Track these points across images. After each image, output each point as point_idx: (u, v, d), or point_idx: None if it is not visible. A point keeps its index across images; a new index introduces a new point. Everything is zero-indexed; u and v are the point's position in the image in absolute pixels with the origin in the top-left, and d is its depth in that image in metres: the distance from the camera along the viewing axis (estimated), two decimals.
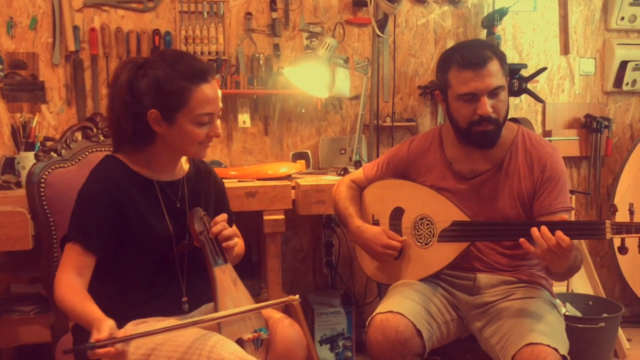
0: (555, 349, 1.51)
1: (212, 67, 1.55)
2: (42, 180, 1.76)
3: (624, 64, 3.27)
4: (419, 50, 3.12)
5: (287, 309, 2.19)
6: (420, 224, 1.83)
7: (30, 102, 2.71)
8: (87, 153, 1.86)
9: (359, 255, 2.01)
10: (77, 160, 1.84)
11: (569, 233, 1.48)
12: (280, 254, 2.44)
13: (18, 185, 2.39)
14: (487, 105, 1.68)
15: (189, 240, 1.60)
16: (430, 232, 1.81)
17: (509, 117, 1.83)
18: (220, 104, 1.56)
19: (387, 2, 2.65)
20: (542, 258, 1.53)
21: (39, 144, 2.48)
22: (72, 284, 1.43)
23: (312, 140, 3.03)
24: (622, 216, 1.53)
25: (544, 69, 2.87)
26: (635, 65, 3.27)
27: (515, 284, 1.78)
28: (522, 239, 1.52)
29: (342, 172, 2.56)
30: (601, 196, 3.40)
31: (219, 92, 1.55)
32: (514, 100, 3.21)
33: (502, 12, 2.98)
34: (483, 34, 3.10)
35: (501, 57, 1.73)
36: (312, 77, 2.59)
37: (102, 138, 1.89)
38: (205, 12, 2.82)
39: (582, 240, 2.74)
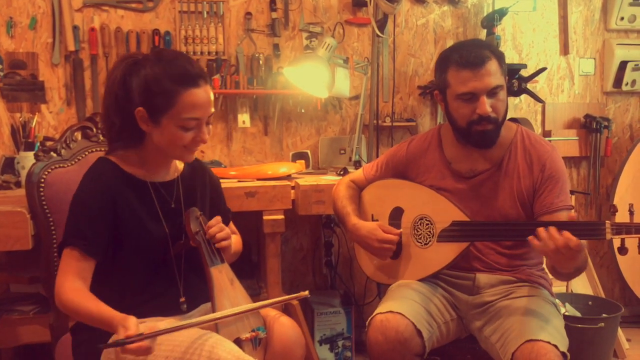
0: (555, 346, 1.51)
1: (204, 72, 1.53)
2: (42, 180, 1.76)
3: (623, 64, 3.27)
4: (418, 50, 3.12)
5: (286, 309, 2.19)
6: (420, 224, 1.83)
7: (30, 102, 2.71)
8: (86, 153, 1.86)
9: (358, 255, 2.01)
10: (76, 160, 1.84)
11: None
12: (280, 254, 2.44)
13: (18, 185, 2.39)
14: (486, 105, 1.68)
15: (185, 240, 1.60)
16: (429, 232, 1.81)
17: (509, 117, 1.83)
18: (212, 109, 1.54)
19: (387, 2, 2.65)
20: (549, 257, 1.52)
21: (38, 143, 2.48)
22: (78, 288, 1.43)
23: (311, 140, 3.03)
24: (622, 216, 1.53)
25: (543, 69, 2.88)
26: (635, 65, 3.27)
27: (515, 283, 1.78)
28: (530, 237, 1.51)
29: (341, 172, 2.56)
30: (601, 196, 3.40)
31: (211, 97, 1.53)
32: (513, 100, 3.21)
33: (502, 12, 2.98)
34: (483, 34, 3.10)
35: (500, 57, 1.73)
36: (311, 77, 2.59)
37: (101, 138, 1.89)
38: (205, 12, 2.82)
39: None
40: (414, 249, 1.84)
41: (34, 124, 2.62)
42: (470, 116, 1.71)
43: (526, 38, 3.24)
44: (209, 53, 2.83)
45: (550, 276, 1.79)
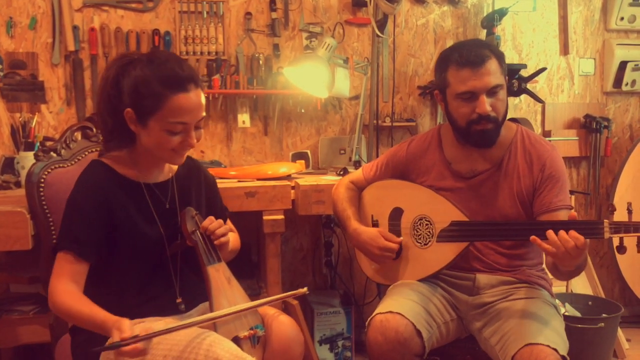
0: (555, 349, 1.51)
1: (196, 76, 1.52)
2: (42, 180, 1.76)
3: (623, 64, 3.27)
4: (418, 51, 3.12)
5: (286, 309, 2.20)
6: (420, 224, 1.83)
7: (29, 102, 2.71)
8: (86, 153, 1.86)
9: (358, 256, 2.01)
10: (76, 160, 1.84)
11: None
12: (280, 254, 2.44)
13: (17, 185, 2.39)
14: (485, 104, 1.68)
15: (181, 240, 1.60)
16: (429, 232, 1.81)
17: (508, 117, 1.83)
18: (203, 113, 1.53)
19: (387, 2, 2.65)
20: (555, 257, 1.51)
21: (38, 143, 2.49)
22: (71, 291, 1.43)
23: (311, 140, 3.03)
24: (620, 216, 1.53)
25: (543, 69, 2.88)
26: (635, 65, 3.27)
27: (515, 284, 1.78)
28: (533, 237, 1.50)
29: (341, 172, 2.56)
30: (600, 196, 3.40)
31: (202, 102, 1.52)
32: (513, 101, 3.21)
33: (502, 12, 2.98)
34: (483, 34, 3.10)
35: (499, 56, 1.72)
36: (311, 77, 2.59)
37: (101, 138, 1.88)
38: (205, 12, 2.82)
39: None
40: (413, 250, 1.84)
41: (33, 124, 2.62)
42: (470, 115, 1.71)
43: (526, 38, 3.24)
44: (208, 53, 2.83)
45: (550, 276, 1.79)
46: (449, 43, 3.12)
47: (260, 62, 2.88)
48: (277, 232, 2.39)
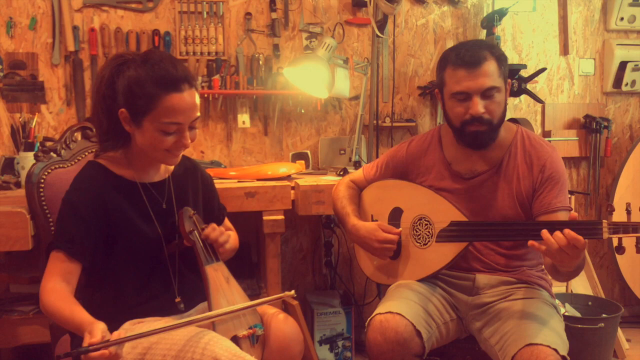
0: (555, 350, 1.50)
1: (190, 76, 1.51)
2: (42, 181, 1.76)
3: (623, 65, 3.28)
4: (418, 51, 3.12)
5: (286, 309, 2.20)
6: (419, 224, 1.83)
7: (29, 102, 2.71)
8: (86, 153, 1.86)
9: (358, 256, 2.01)
10: (76, 161, 1.84)
11: None
12: (280, 254, 2.44)
13: (17, 185, 2.39)
14: (478, 105, 1.68)
15: (179, 240, 1.60)
16: (428, 232, 1.81)
17: (509, 117, 1.82)
18: (197, 114, 1.53)
19: (387, 3, 2.65)
20: (553, 258, 1.51)
21: (38, 144, 2.49)
22: (58, 290, 1.42)
23: (311, 141, 3.03)
24: (619, 216, 1.53)
25: (543, 69, 2.88)
26: (635, 65, 3.27)
27: (515, 284, 1.78)
28: (530, 242, 1.50)
29: (341, 173, 2.56)
30: (600, 196, 3.40)
31: (196, 102, 1.52)
32: (513, 101, 3.21)
33: (502, 13, 2.98)
34: (482, 35, 3.10)
35: (500, 59, 1.72)
36: (311, 77, 2.59)
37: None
38: (205, 13, 2.82)
39: None
40: (413, 249, 1.84)
41: (33, 124, 2.62)
42: (463, 116, 1.71)
43: (526, 38, 3.24)
44: (208, 53, 2.83)
45: (549, 277, 1.79)
46: (449, 43, 3.13)
47: (260, 62, 2.88)
48: (277, 233, 2.39)
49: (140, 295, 1.56)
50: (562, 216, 1.67)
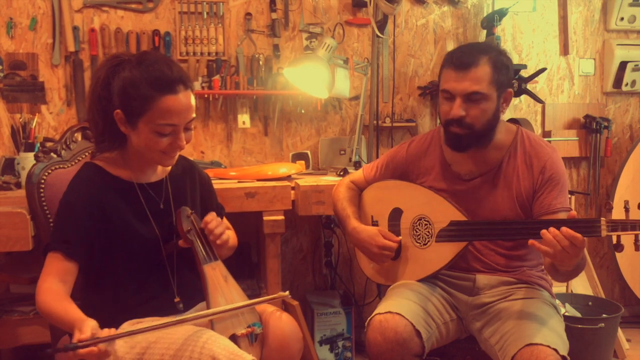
0: (555, 350, 1.51)
1: (185, 77, 1.51)
2: (42, 181, 1.76)
3: (623, 65, 3.28)
4: (418, 51, 3.12)
5: (287, 309, 2.19)
6: (419, 225, 1.83)
7: (30, 102, 2.72)
8: (86, 154, 1.86)
9: (358, 256, 2.01)
10: (77, 161, 1.84)
11: None
12: (280, 254, 2.44)
13: (18, 186, 2.39)
14: (457, 108, 1.68)
15: (177, 239, 1.60)
16: (428, 232, 1.81)
17: (509, 117, 1.82)
18: (192, 115, 1.53)
19: (387, 3, 2.65)
20: (552, 257, 1.51)
21: (38, 144, 2.49)
22: (52, 289, 1.42)
23: (311, 141, 3.03)
24: (618, 214, 1.53)
25: (543, 69, 2.88)
26: (635, 65, 3.27)
27: (515, 284, 1.78)
28: (531, 241, 1.51)
29: (341, 173, 2.56)
30: (600, 196, 3.40)
31: (192, 103, 1.52)
32: (513, 101, 3.21)
33: (502, 13, 2.98)
34: (483, 35, 3.10)
35: (497, 67, 1.68)
36: (311, 77, 2.59)
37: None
38: (205, 13, 2.82)
39: None
40: (413, 250, 1.84)
41: (34, 124, 2.63)
42: (447, 115, 1.72)
43: (526, 38, 3.24)
44: (209, 54, 2.83)
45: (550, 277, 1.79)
46: (449, 43, 3.13)
47: (261, 62, 2.89)
48: (277, 233, 2.39)
49: (139, 296, 1.56)
50: (562, 217, 1.67)
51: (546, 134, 3.27)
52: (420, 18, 3.11)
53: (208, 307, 1.51)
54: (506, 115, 2.72)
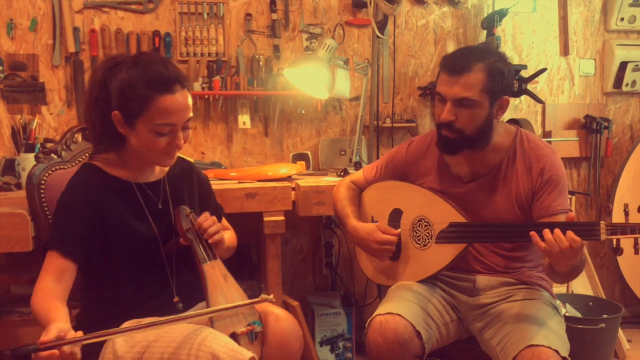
0: (556, 351, 1.50)
1: (182, 77, 1.52)
2: (42, 182, 1.77)
3: (623, 65, 3.27)
4: (418, 51, 3.12)
5: (286, 309, 2.20)
6: (419, 226, 1.83)
7: (30, 103, 2.72)
8: (87, 154, 1.86)
9: (358, 257, 2.01)
10: (77, 162, 1.85)
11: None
12: (280, 255, 2.44)
13: (18, 186, 2.39)
14: (446, 112, 1.68)
15: (176, 239, 1.60)
16: (428, 233, 1.81)
17: (509, 117, 1.82)
18: (190, 114, 1.53)
19: (387, 3, 2.65)
20: (550, 257, 1.51)
21: (39, 145, 2.49)
22: (45, 289, 1.42)
23: (312, 142, 3.03)
24: (618, 216, 1.53)
25: (543, 69, 2.88)
26: (635, 66, 3.27)
27: (515, 285, 1.78)
28: (532, 232, 1.50)
29: (342, 173, 2.56)
30: (601, 197, 3.40)
31: (189, 103, 1.52)
32: (513, 101, 3.21)
33: (502, 13, 2.98)
34: (483, 35, 3.10)
35: (493, 74, 1.65)
36: (312, 78, 2.59)
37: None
38: (205, 14, 2.82)
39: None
40: (412, 251, 1.84)
41: (34, 125, 2.63)
42: (438, 117, 1.73)
43: (526, 39, 3.24)
44: (209, 54, 2.83)
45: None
46: (449, 44, 3.13)
47: (261, 63, 2.89)
48: (277, 234, 2.39)
49: (138, 296, 1.56)
50: (562, 219, 1.66)
51: (546, 134, 3.27)
52: (420, 18, 3.11)
53: (208, 306, 1.51)
54: (506, 115, 2.73)
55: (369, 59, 2.90)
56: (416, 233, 1.83)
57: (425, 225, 1.82)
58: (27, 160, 2.34)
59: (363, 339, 2.70)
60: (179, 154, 1.62)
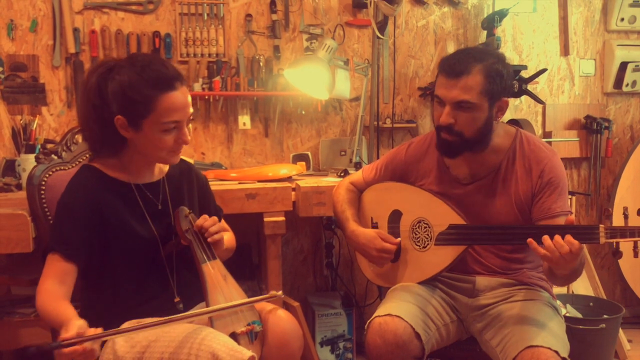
0: (556, 352, 1.50)
1: (180, 74, 1.54)
2: (43, 183, 1.77)
3: (623, 65, 3.27)
4: (419, 52, 3.12)
5: (286, 309, 2.20)
6: (418, 227, 1.83)
7: (30, 104, 2.72)
8: (87, 155, 1.86)
9: (358, 258, 2.01)
10: (77, 163, 1.84)
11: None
12: (281, 255, 2.44)
13: (19, 187, 2.39)
14: (445, 115, 1.67)
15: (175, 239, 1.61)
16: (427, 235, 1.80)
17: (509, 118, 1.81)
18: (191, 109, 1.55)
19: (387, 4, 2.65)
20: (549, 261, 1.50)
21: (39, 146, 2.48)
22: (50, 291, 1.43)
23: (312, 142, 3.03)
24: (617, 218, 1.52)
25: (543, 70, 2.88)
26: (635, 66, 3.27)
27: (515, 286, 1.78)
28: (529, 239, 1.50)
29: (342, 174, 2.56)
30: (601, 197, 3.40)
31: (189, 98, 1.54)
32: (514, 102, 3.21)
33: (502, 14, 2.98)
34: (483, 36, 3.10)
35: (491, 76, 1.64)
36: (312, 78, 2.59)
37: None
38: (206, 14, 2.82)
39: None
40: (412, 253, 1.84)
41: (34, 126, 2.63)
42: (437, 120, 1.72)
43: (526, 39, 3.24)
44: (209, 55, 2.83)
45: None
46: (449, 44, 3.13)
47: (261, 63, 2.89)
48: (277, 234, 2.39)
49: (139, 296, 1.56)
50: (562, 221, 1.65)
51: (547, 134, 3.27)
52: (420, 19, 3.11)
53: (207, 306, 1.52)
54: (507, 116, 2.73)
55: (369, 60, 2.90)
56: (415, 235, 1.83)
57: (425, 227, 1.81)
58: (28, 161, 2.34)
59: (363, 340, 2.70)
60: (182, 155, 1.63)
